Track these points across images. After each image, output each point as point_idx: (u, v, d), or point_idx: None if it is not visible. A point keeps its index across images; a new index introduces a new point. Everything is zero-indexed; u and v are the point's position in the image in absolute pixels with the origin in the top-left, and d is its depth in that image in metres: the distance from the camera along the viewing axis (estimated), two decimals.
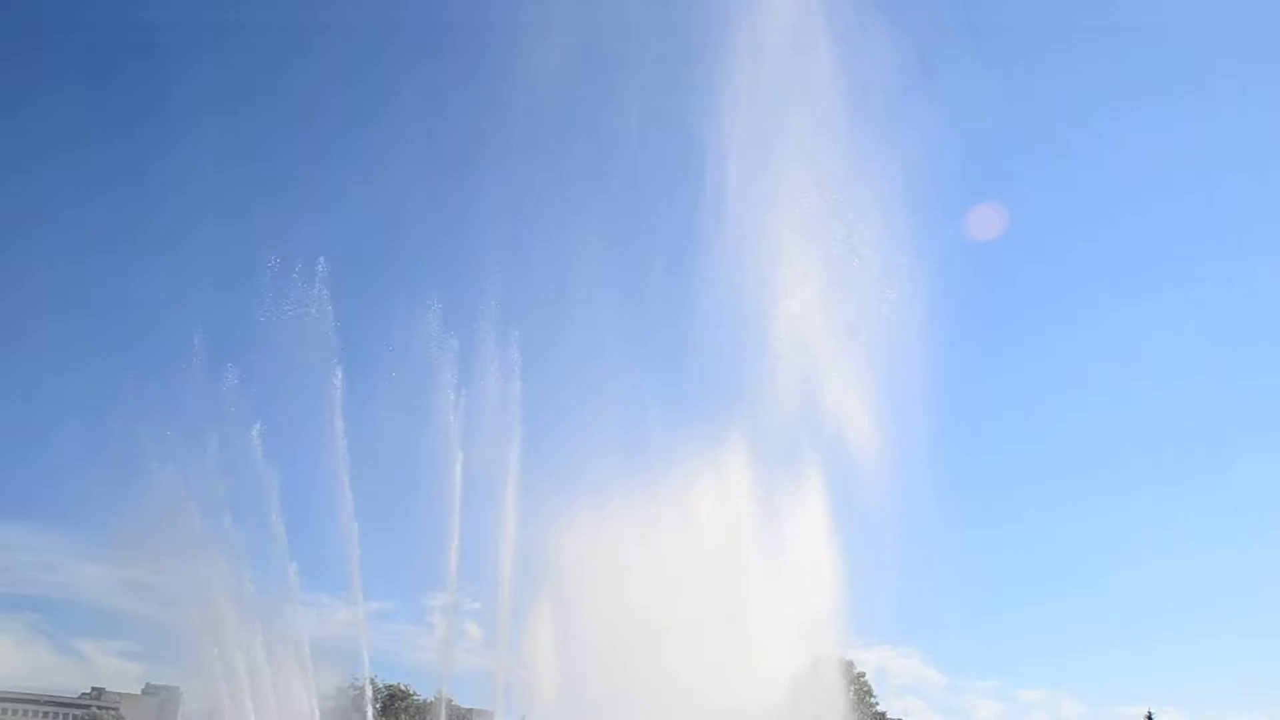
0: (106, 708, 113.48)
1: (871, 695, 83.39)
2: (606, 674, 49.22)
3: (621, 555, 51.62)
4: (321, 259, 46.99)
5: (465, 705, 56.54)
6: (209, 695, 42.99)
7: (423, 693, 72.68)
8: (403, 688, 77.42)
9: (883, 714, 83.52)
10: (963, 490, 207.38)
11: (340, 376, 45.03)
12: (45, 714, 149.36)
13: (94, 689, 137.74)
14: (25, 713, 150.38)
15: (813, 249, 55.61)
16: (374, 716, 47.88)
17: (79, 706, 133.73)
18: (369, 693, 48.99)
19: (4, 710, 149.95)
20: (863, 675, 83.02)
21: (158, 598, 42.28)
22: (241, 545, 43.13)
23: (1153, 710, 72.05)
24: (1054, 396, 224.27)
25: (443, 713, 45.35)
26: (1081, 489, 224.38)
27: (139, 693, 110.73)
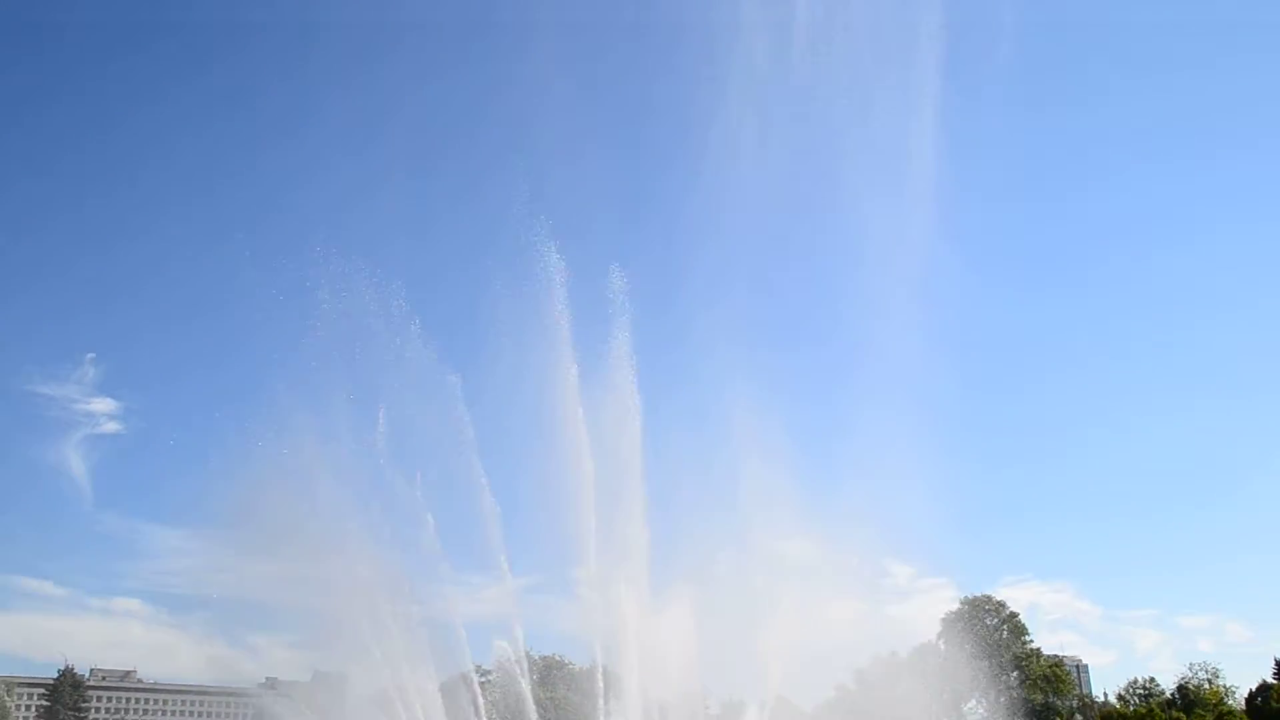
0: (281, 696, 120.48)
1: (1026, 634, 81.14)
2: (744, 639, 49.70)
3: (751, 523, 52.03)
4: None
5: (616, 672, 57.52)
6: (374, 679, 44.90)
7: (577, 661, 74.38)
8: (558, 658, 79.25)
9: (1037, 650, 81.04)
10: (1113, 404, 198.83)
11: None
12: (227, 703, 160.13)
13: (268, 679, 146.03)
14: (210, 703, 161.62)
15: None
16: (531, 688, 49.10)
17: (256, 697, 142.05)
18: (525, 665, 50.24)
19: (191, 702, 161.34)
20: (1015, 615, 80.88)
21: (321, 590, 44.21)
22: (394, 534, 44.78)
23: None
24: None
25: (599, 679, 46.29)
26: (1258, 417, 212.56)
27: (309, 681, 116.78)
